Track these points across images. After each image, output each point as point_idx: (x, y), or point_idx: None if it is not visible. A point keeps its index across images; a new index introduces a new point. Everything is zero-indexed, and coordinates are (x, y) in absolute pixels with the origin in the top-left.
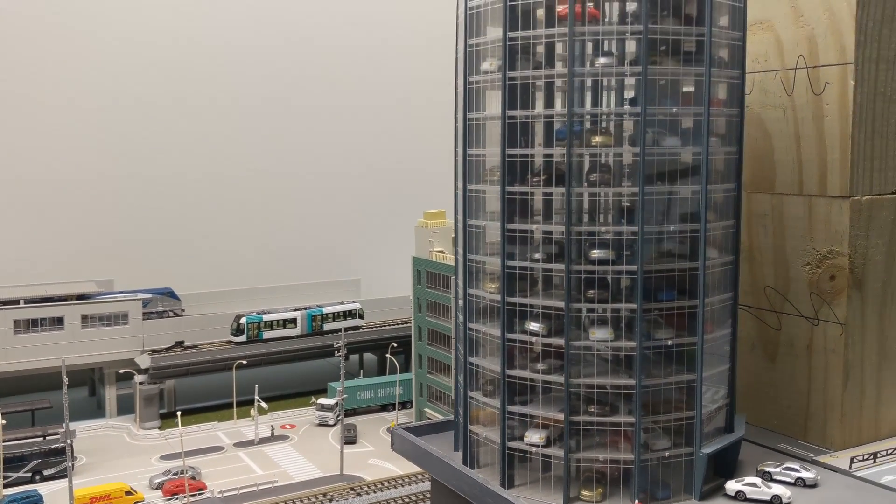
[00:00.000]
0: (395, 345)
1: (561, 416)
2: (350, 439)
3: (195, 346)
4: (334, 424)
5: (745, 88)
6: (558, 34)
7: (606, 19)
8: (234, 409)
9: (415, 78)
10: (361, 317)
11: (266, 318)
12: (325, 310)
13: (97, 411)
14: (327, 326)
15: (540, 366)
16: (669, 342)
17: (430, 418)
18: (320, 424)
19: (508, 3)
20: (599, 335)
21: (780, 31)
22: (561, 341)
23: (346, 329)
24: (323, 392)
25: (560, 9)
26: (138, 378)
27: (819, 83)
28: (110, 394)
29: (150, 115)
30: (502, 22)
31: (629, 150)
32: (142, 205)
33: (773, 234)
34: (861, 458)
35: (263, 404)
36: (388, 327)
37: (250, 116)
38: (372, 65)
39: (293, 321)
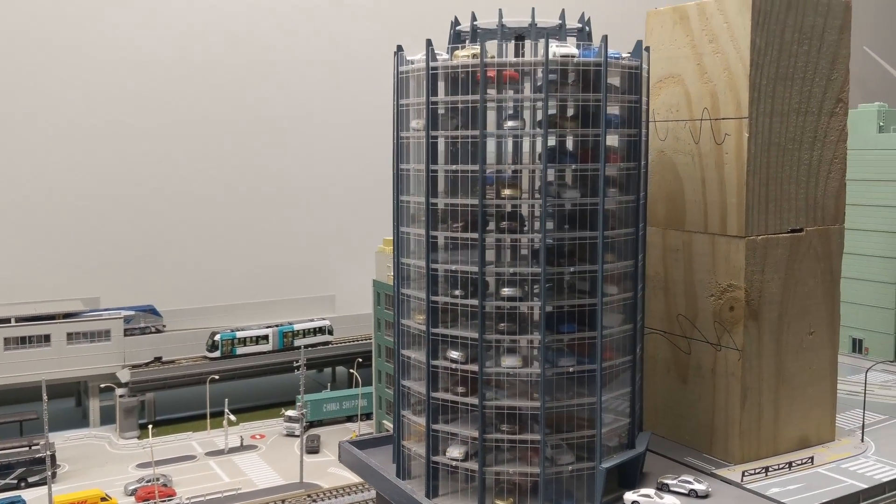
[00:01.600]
0: (361, 360)
1: (476, 434)
2: (312, 449)
3: (173, 362)
4: (300, 435)
5: (661, 135)
6: (472, 100)
7: (516, 87)
8: (208, 421)
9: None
10: (331, 333)
11: (239, 334)
12: (296, 327)
13: (82, 421)
14: (298, 342)
15: (460, 389)
16: (571, 369)
17: (388, 430)
18: (288, 435)
19: (430, 71)
20: (509, 363)
21: (689, 85)
22: (476, 367)
23: (317, 345)
24: (293, 404)
25: (475, 75)
26: (119, 391)
27: (720, 134)
28: (94, 405)
29: (132, 136)
30: (425, 87)
31: (533, 201)
32: (126, 225)
33: (684, 268)
34: (753, 471)
35: (232, 417)
36: (358, 342)
37: (230, 135)
38: (353, 86)
39: (265, 338)
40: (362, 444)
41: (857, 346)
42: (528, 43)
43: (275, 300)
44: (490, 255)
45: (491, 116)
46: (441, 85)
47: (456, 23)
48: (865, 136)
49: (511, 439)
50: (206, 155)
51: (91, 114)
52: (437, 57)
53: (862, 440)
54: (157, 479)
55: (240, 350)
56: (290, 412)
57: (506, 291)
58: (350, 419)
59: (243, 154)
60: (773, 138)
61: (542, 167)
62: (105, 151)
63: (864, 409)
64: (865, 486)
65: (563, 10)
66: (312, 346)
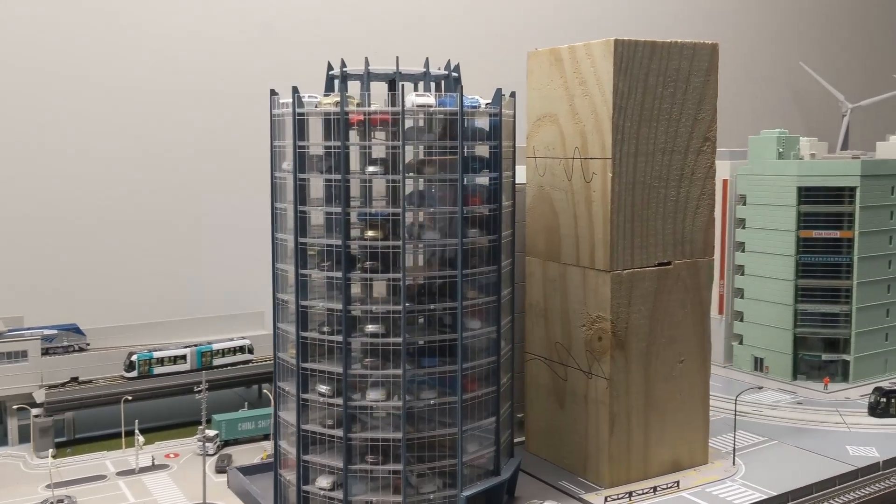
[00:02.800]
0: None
1: (341, 464)
2: (222, 469)
3: (90, 382)
4: (214, 454)
5: (540, 171)
6: (334, 146)
7: (388, 130)
8: (123, 440)
9: None
10: (251, 351)
11: (157, 355)
12: (215, 346)
13: (3, 439)
14: (217, 362)
15: (328, 421)
16: (432, 401)
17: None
18: (202, 454)
19: (297, 117)
20: (373, 396)
21: (563, 124)
22: (341, 401)
23: (237, 363)
24: (210, 423)
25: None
26: (34, 411)
27: (589, 172)
28: (12, 425)
29: (55, 154)
30: (291, 131)
31: (396, 242)
32: (50, 242)
33: (560, 298)
34: (616, 496)
35: (141, 438)
36: None
37: (155, 152)
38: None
39: (183, 357)
40: (250, 469)
41: (759, 365)
42: (400, 89)
43: (204, 317)
44: (361, 292)
45: (360, 159)
46: (319, 128)
47: (329, 68)
48: (765, 161)
49: (375, 470)
50: (134, 172)
51: (10, 131)
52: (314, 100)
53: (733, 463)
54: (61, 501)
55: (157, 370)
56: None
57: (370, 328)
58: (267, 437)
59: (173, 171)
60: (639, 177)
61: (400, 211)
62: (29, 170)
63: (734, 432)
64: None
65: (426, 59)
66: (232, 364)
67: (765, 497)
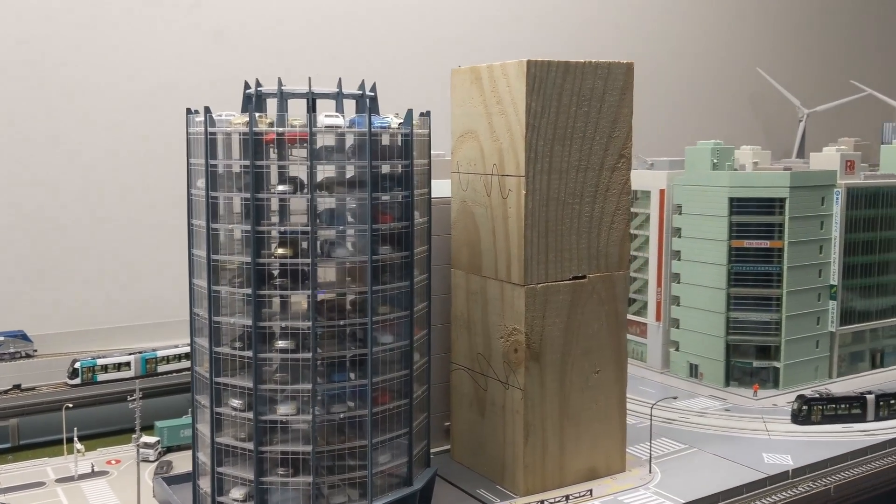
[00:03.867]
0: None
1: (253, 477)
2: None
3: (33, 389)
4: (155, 460)
5: (463, 186)
6: (242, 165)
7: (294, 152)
8: (65, 447)
9: None
10: None
11: (100, 362)
12: (159, 353)
13: None
14: (161, 368)
15: (241, 434)
16: (342, 415)
17: None
18: (143, 460)
19: (209, 136)
20: (283, 410)
21: (483, 141)
22: (252, 415)
23: (181, 370)
24: (152, 429)
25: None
26: None
27: (505, 189)
28: None
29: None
30: (203, 150)
31: (306, 260)
32: None
33: (481, 310)
34: None
35: (79, 445)
36: None
37: (102, 157)
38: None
39: (127, 364)
40: (175, 479)
41: (694, 372)
42: (308, 108)
43: (153, 323)
44: (279, 308)
45: (279, 178)
46: (236, 147)
47: (246, 87)
48: (699, 172)
49: (285, 482)
50: (81, 179)
51: None
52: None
53: (650, 471)
54: None
55: (101, 377)
56: (144, 438)
57: (280, 344)
58: None
59: (120, 177)
60: (553, 194)
61: (309, 230)
62: None
63: (650, 441)
64: None
65: (339, 80)
66: (177, 371)
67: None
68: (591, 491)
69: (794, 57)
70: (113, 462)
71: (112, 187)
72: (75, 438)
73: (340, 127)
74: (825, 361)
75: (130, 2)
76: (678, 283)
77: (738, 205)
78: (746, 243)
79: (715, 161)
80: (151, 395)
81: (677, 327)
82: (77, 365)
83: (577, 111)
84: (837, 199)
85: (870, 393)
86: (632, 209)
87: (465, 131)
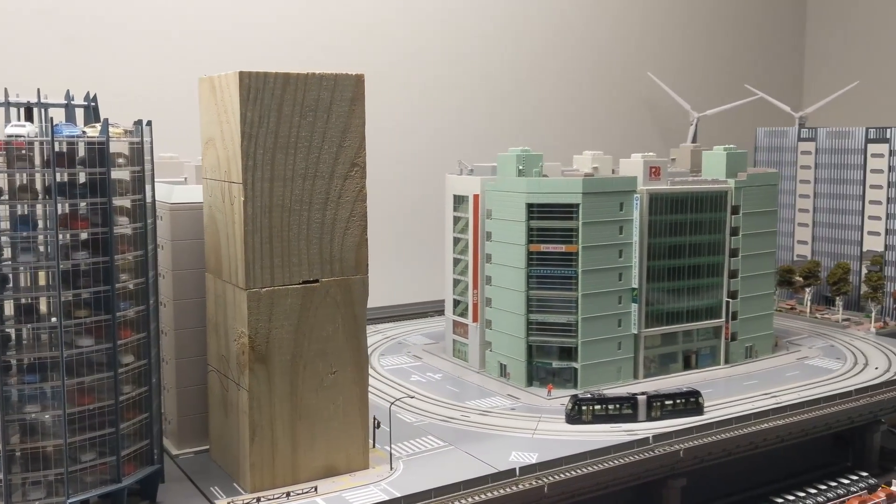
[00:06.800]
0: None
1: None
2: None
3: None
4: None
5: (210, 192)
6: None
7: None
8: None
9: None
10: None
11: None
12: None
13: None
14: None
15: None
16: (34, 415)
17: None
18: None
19: None
20: None
21: (218, 149)
22: None
23: None
24: None
25: None
26: None
27: (232, 196)
28: None
29: None
30: None
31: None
32: None
33: (223, 313)
34: (243, 501)
35: None
36: None
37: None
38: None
39: None
40: None
41: (503, 371)
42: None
43: None
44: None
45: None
46: None
47: None
48: (505, 178)
49: None
50: None
51: None
52: None
53: (391, 468)
54: None
55: None
56: None
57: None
58: None
59: None
60: (276, 201)
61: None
62: None
63: (390, 439)
64: None
65: (67, 91)
66: None
67: (388, 498)
68: (315, 487)
69: (688, 61)
70: None
71: None
72: None
73: (22, 136)
74: (629, 362)
75: None
76: (490, 285)
77: (537, 210)
78: (543, 247)
79: (521, 168)
80: None
81: (490, 328)
82: None
83: (301, 121)
84: (637, 204)
85: (642, 394)
86: (454, 213)
87: (207, 139)
